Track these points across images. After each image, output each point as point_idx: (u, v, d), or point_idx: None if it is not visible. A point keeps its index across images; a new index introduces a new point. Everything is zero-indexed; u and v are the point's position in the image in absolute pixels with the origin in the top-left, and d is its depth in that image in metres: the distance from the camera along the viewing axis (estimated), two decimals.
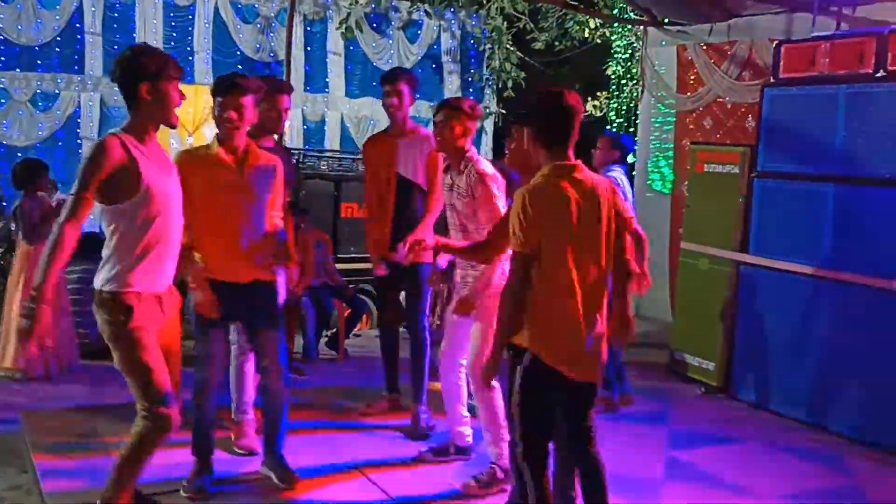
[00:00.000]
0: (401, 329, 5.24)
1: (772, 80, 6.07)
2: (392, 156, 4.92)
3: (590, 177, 3.21)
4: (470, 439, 4.44)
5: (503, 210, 3.95)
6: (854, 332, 5.29)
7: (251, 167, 3.91)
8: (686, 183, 7.38)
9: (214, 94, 3.92)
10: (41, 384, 5.79)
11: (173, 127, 3.35)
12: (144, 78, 3.19)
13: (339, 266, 7.12)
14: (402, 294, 5.24)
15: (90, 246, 7.51)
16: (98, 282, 3.26)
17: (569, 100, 3.16)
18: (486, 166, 4.20)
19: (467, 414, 4.42)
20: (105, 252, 3.26)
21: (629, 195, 5.45)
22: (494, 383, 3.85)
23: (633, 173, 9.33)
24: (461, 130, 4.20)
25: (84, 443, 4.58)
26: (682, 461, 4.75)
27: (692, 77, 8.35)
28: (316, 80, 13.17)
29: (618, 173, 5.48)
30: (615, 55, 11.19)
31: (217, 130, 3.97)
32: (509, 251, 3.36)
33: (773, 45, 6.17)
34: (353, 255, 7.55)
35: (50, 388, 5.70)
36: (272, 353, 4.02)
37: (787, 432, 5.40)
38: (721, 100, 7.98)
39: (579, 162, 3.22)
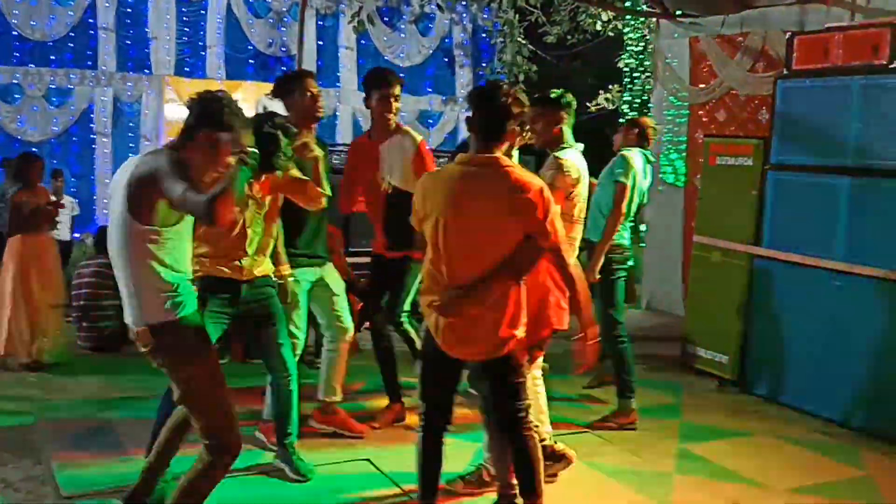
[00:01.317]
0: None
1: (785, 71, 6.02)
2: (376, 161, 4.78)
3: (507, 172, 3.25)
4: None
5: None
6: (868, 325, 5.25)
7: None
8: (699, 176, 7.35)
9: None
10: (56, 376, 5.84)
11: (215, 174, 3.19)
12: (212, 127, 3.03)
13: (349, 260, 7.13)
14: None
15: (106, 239, 7.58)
16: (151, 316, 3.06)
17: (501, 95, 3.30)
18: (568, 156, 4.23)
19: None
20: (142, 283, 3.04)
21: (622, 178, 5.16)
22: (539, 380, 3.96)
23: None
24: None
25: (98, 435, 4.62)
26: (695, 454, 4.73)
27: (705, 69, 8.30)
28: (328, 75, 13.21)
29: (630, 153, 5.33)
30: (628, 48, 11.16)
31: None
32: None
33: (787, 37, 6.12)
34: (364, 249, 7.54)
35: (64, 381, 5.74)
36: (276, 351, 4.04)
37: (801, 426, 5.37)
38: (734, 92, 7.93)
39: (498, 157, 3.29)
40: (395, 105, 4.74)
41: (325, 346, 4.72)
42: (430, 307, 3.31)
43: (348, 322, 4.68)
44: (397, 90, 4.74)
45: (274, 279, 4.13)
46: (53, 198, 8.48)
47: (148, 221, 2.98)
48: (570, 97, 4.40)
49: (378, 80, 4.77)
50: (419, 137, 4.84)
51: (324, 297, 4.59)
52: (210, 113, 3.05)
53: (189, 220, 3.09)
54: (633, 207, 5.40)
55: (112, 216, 3.12)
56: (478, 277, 3.22)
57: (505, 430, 3.44)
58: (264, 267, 4.05)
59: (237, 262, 3.91)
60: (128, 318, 3.15)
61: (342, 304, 4.67)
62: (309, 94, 4.39)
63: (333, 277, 4.66)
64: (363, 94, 4.93)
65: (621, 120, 11.37)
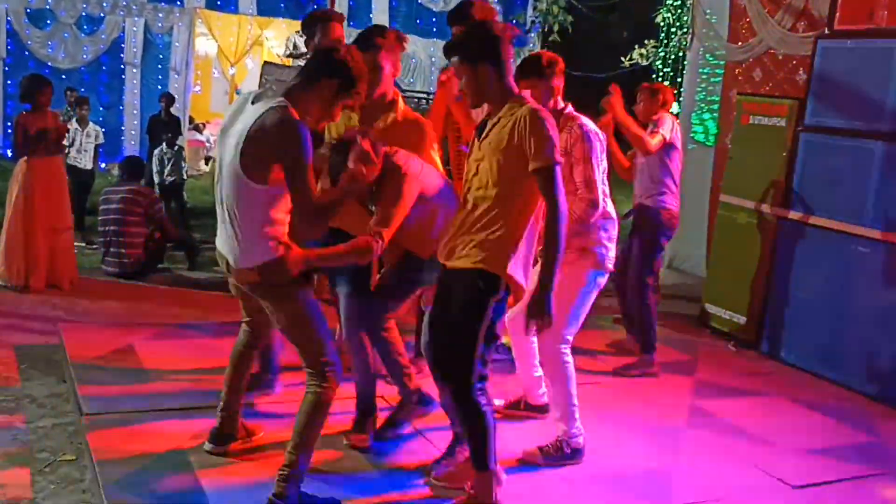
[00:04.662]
0: None
1: (826, 31, 5.89)
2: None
3: None
4: (545, 398, 4.24)
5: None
6: (891, 293, 5.22)
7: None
8: (730, 136, 7.25)
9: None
10: (80, 299, 5.94)
11: (326, 122, 3.34)
12: (334, 77, 3.07)
13: None
14: None
15: (134, 168, 7.67)
16: (259, 257, 3.08)
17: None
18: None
19: (541, 371, 4.11)
20: (260, 229, 3.07)
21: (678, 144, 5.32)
22: (568, 358, 3.83)
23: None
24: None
25: (120, 357, 4.70)
26: (707, 411, 4.75)
27: (744, 27, 8.11)
28: (360, 16, 13.07)
29: (663, 116, 5.33)
30: (666, 2, 10.90)
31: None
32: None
33: None
34: None
35: (89, 304, 5.84)
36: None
37: (815, 390, 5.37)
38: (773, 51, 7.76)
39: None
40: None
41: None
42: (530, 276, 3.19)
43: None
44: None
45: None
46: (76, 126, 8.56)
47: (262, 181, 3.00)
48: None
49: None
50: None
51: None
52: (329, 62, 3.08)
53: None
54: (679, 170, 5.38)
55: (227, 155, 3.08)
56: None
57: None
58: None
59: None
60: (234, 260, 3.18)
61: None
62: (327, 42, 4.15)
63: None
64: None
65: (653, 76, 11.18)
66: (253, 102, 3.07)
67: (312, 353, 3.20)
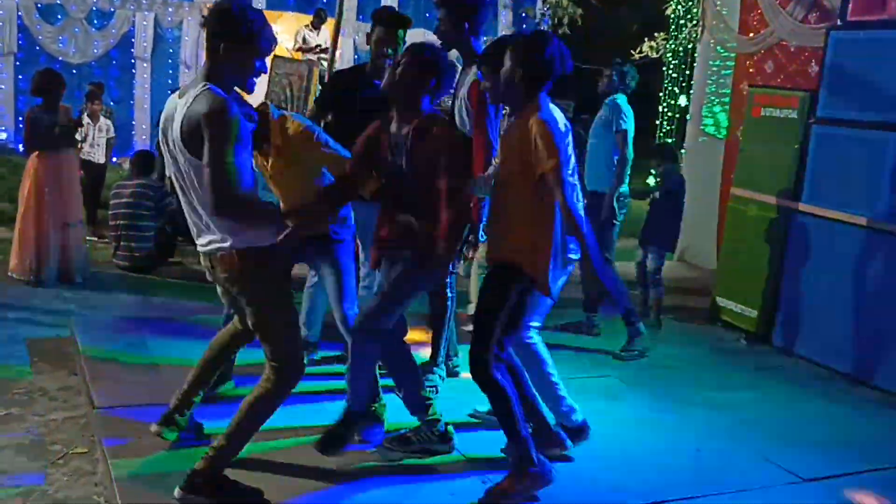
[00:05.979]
0: None
1: (839, 23, 5.85)
2: None
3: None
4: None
5: None
6: None
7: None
8: (741, 128, 7.21)
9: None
10: (92, 292, 5.96)
11: (248, 92, 3.13)
12: (226, 38, 2.97)
13: None
14: None
15: (145, 163, 7.69)
16: (237, 242, 3.01)
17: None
18: None
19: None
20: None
21: (623, 125, 5.52)
22: (532, 340, 3.81)
23: (688, 117, 9.14)
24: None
25: (131, 350, 4.72)
26: (718, 403, 4.73)
27: (755, 18, 8.07)
28: (368, 9, 13.03)
29: (620, 98, 5.65)
30: None
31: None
32: None
33: None
34: None
35: (100, 297, 5.86)
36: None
37: (827, 383, 5.35)
38: (784, 43, 7.72)
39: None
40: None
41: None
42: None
43: None
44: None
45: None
46: (87, 120, 8.58)
47: None
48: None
49: None
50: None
51: None
52: (218, 23, 2.99)
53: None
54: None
55: None
56: None
57: None
58: None
59: None
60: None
61: None
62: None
63: None
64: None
65: (664, 69, 11.10)
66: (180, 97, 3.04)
67: (282, 348, 3.12)
